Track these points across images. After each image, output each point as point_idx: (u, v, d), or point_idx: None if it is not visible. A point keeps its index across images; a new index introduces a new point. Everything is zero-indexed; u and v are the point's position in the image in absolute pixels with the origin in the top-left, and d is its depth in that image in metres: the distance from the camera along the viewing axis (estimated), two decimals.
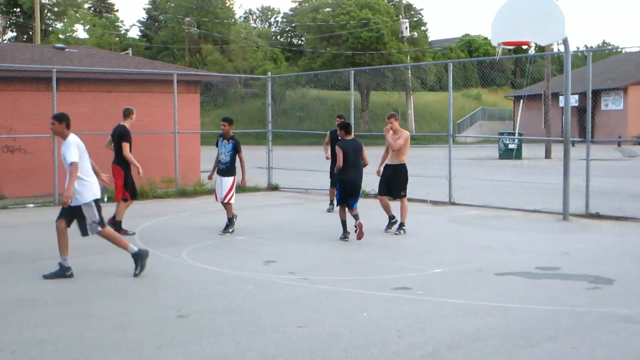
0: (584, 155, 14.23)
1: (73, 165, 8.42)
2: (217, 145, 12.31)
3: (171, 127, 18.04)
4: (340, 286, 8.15)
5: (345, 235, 11.40)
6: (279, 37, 78.54)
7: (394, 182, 12.22)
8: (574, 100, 44.40)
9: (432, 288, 8.03)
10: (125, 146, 11.89)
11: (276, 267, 9.27)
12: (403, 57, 55.20)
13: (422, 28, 71.29)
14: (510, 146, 35.35)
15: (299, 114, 54.99)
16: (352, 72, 18.71)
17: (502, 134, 40.86)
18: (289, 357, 5.68)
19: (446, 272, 8.94)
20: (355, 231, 11.23)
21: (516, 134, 38.95)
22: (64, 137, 8.64)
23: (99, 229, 8.59)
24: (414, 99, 56.44)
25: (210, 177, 12.69)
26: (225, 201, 12.10)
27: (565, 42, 13.62)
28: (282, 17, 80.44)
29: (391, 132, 12.24)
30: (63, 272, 8.57)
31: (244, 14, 79.65)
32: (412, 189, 15.25)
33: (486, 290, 7.97)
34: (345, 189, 11.52)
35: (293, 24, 71.61)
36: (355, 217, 11.27)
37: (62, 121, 8.68)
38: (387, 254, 10.23)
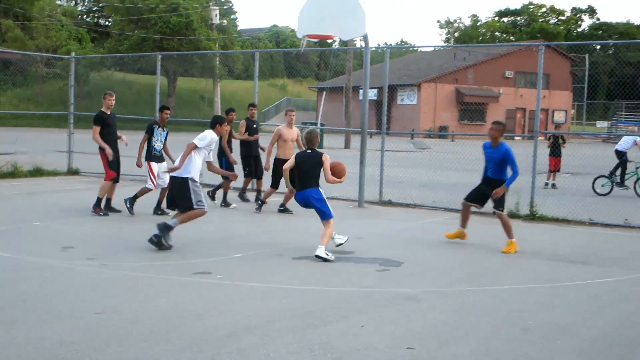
0: (379, 146, 15.06)
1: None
2: (148, 132, 12.31)
3: None
4: (140, 272, 8.13)
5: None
6: (85, 16, 75.13)
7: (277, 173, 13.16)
8: (372, 94, 46.58)
9: (232, 272, 8.22)
10: (95, 130, 12.15)
11: (74, 253, 9.04)
12: (212, 44, 54.95)
13: (232, 17, 71.43)
14: None
15: None
16: (160, 56, 18.48)
17: (305, 123, 41.95)
18: (85, 344, 5.62)
19: (246, 256, 9.16)
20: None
21: (318, 124, 40.19)
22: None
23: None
24: (221, 87, 56.48)
25: (139, 164, 12.70)
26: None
27: (365, 38, 14.26)
28: None
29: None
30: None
31: None
32: (217, 176, 15.39)
33: (284, 273, 8.28)
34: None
35: (100, 4, 68.87)
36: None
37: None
38: (188, 239, 10.26)
